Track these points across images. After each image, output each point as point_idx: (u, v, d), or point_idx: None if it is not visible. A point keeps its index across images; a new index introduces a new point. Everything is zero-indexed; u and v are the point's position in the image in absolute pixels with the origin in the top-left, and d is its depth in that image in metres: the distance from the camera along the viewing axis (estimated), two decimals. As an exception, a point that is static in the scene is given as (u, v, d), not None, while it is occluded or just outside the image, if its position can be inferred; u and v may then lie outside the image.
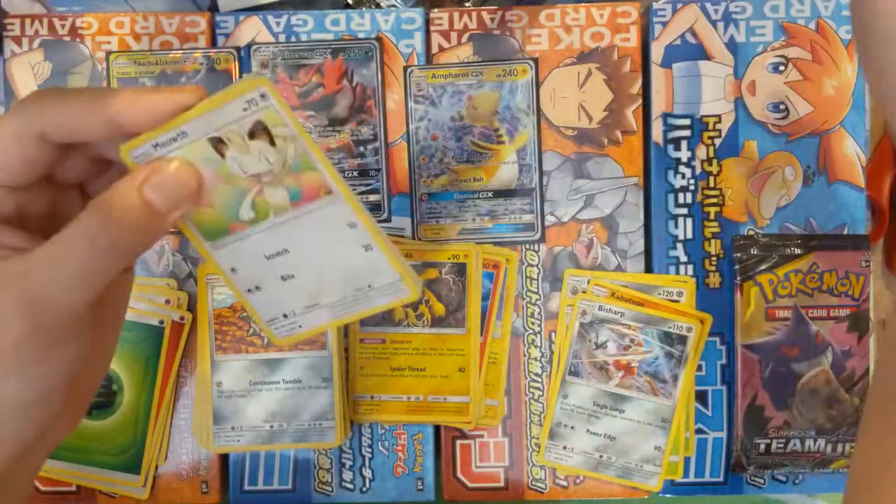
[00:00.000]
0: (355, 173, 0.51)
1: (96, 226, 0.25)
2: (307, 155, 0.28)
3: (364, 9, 0.52)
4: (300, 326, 0.32)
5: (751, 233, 0.51)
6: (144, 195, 0.26)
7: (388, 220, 0.52)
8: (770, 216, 0.51)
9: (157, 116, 0.26)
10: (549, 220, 0.51)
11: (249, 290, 0.31)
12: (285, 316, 0.32)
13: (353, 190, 0.51)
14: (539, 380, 0.51)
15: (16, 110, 0.26)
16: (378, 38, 0.51)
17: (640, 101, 0.51)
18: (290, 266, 0.30)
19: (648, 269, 0.52)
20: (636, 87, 0.51)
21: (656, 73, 0.52)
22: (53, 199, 0.29)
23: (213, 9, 0.53)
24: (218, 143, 0.27)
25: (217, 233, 0.29)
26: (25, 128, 0.26)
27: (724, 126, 0.51)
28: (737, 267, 0.51)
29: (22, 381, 0.25)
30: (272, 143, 0.27)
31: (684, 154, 0.51)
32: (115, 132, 0.27)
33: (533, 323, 0.51)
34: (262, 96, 0.26)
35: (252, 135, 0.27)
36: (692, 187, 0.51)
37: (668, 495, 0.52)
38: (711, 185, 0.51)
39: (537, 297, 0.51)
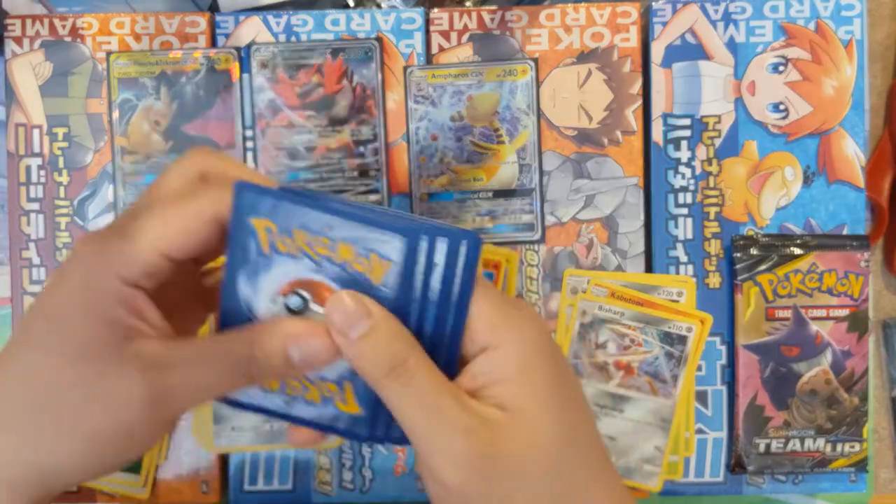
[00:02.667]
0: (355, 173, 0.51)
1: (243, 357, 0.28)
2: None
3: (364, 9, 0.52)
4: None
5: (751, 233, 0.51)
6: (288, 352, 0.29)
7: (388, 220, 0.51)
8: (770, 216, 0.51)
9: None
10: (549, 220, 0.51)
11: None
12: None
13: (353, 190, 0.51)
14: (539, 380, 0.51)
15: (208, 190, 0.29)
16: (378, 38, 0.51)
17: (640, 101, 0.51)
18: None
19: (648, 269, 0.52)
20: (636, 87, 0.51)
21: (656, 73, 0.52)
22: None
23: (213, 9, 0.53)
24: None
25: None
26: (210, 209, 0.29)
27: (724, 126, 0.51)
28: (737, 267, 0.51)
29: (112, 449, 0.28)
30: None
31: (684, 154, 0.52)
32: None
33: (533, 323, 0.51)
34: None
35: None
36: (692, 187, 0.51)
37: (668, 495, 0.52)
38: (711, 185, 0.51)
39: (537, 297, 0.51)
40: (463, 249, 0.27)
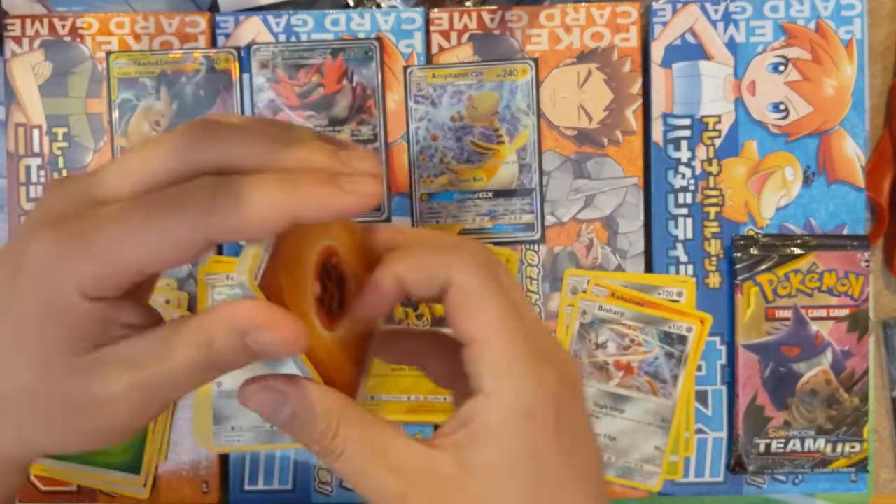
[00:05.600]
0: (355, 173, 0.51)
1: (201, 347, 0.25)
2: None
3: (364, 9, 0.52)
4: None
5: (751, 233, 0.51)
6: (248, 343, 0.25)
7: (387, 219, 0.52)
8: (770, 216, 0.51)
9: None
10: (549, 220, 0.51)
11: None
12: None
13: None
14: (539, 380, 0.51)
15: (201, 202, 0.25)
16: (378, 38, 0.51)
17: (640, 101, 0.51)
18: None
19: (648, 269, 0.52)
20: (636, 87, 0.51)
21: (656, 73, 0.52)
22: None
23: (214, 9, 0.53)
24: None
25: None
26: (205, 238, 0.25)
27: (724, 126, 0.51)
28: (737, 267, 0.51)
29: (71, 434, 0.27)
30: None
31: (684, 154, 0.52)
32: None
33: (533, 323, 0.51)
34: None
35: None
36: (692, 187, 0.51)
37: (668, 495, 0.52)
38: (711, 185, 0.51)
39: (537, 297, 0.51)
40: None
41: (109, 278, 0.24)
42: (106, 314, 0.25)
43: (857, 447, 0.51)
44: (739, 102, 0.51)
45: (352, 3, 0.54)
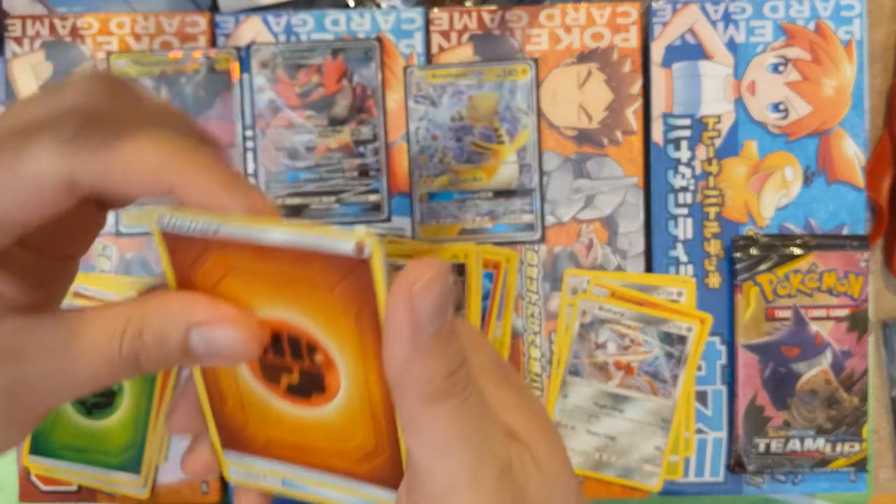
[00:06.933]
0: (355, 173, 0.51)
1: (125, 339, 0.21)
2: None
3: (364, 9, 0.52)
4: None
5: (751, 233, 0.51)
6: (190, 339, 0.22)
7: (388, 220, 0.52)
8: (770, 216, 0.51)
9: (222, 207, 0.21)
10: (549, 220, 0.51)
11: None
12: None
13: (353, 190, 0.51)
14: (539, 380, 0.52)
15: (55, 143, 0.20)
16: (378, 38, 0.51)
17: (640, 101, 0.51)
18: None
19: (648, 269, 0.52)
20: (636, 87, 0.51)
21: (656, 73, 0.52)
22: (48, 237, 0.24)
23: (214, 9, 0.53)
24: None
25: None
26: (59, 170, 0.20)
27: (724, 126, 0.51)
28: (737, 267, 0.51)
29: None
30: None
31: (684, 154, 0.52)
32: (164, 196, 0.22)
33: (533, 323, 0.51)
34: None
35: None
36: (692, 187, 0.52)
37: (668, 495, 0.52)
38: (711, 185, 0.51)
39: (537, 297, 0.51)
40: None
41: None
42: None
43: (857, 447, 0.51)
44: (739, 102, 0.51)
45: (352, 4, 0.54)
